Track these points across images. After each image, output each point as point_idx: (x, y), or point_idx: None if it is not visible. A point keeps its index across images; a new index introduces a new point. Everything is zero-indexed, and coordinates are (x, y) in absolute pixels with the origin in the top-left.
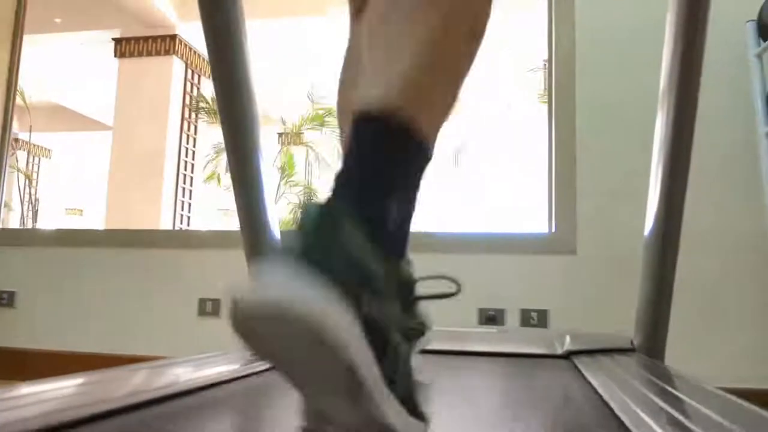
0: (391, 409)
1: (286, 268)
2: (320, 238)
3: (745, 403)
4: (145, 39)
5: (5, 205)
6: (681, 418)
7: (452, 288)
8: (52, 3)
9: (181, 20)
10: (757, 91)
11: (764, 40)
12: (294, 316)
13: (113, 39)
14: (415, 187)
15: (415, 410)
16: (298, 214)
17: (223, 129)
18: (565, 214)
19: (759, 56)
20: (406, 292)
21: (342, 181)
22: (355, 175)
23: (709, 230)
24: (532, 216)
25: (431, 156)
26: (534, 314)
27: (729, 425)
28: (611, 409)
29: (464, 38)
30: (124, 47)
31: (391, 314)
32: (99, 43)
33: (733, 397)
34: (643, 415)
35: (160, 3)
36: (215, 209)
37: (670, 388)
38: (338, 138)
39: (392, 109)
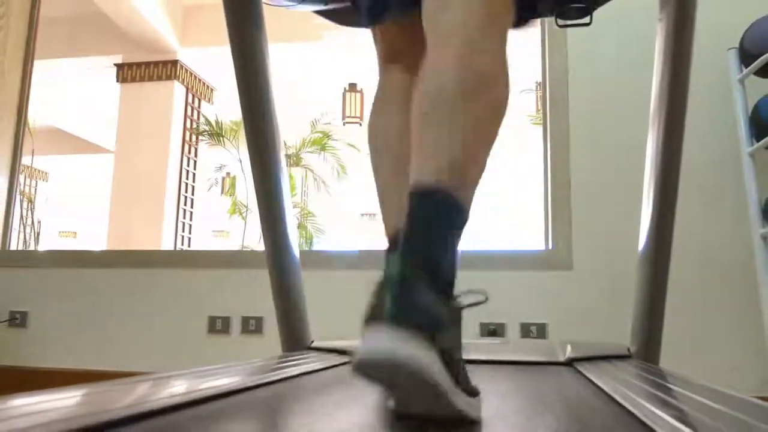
0: (460, 399)
1: (386, 332)
2: (404, 301)
3: (746, 396)
4: (147, 64)
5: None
6: (689, 409)
7: (481, 298)
8: (55, 29)
9: (182, 46)
10: (741, 114)
11: (746, 66)
12: (399, 363)
13: (115, 64)
14: (459, 241)
15: (472, 393)
16: (381, 278)
17: (248, 147)
18: (562, 232)
19: (741, 81)
20: (459, 318)
21: (409, 247)
22: (419, 242)
23: (695, 246)
24: (530, 234)
25: (469, 217)
26: (533, 328)
27: (740, 416)
28: (619, 404)
29: (493, 125)
30: (126, 72)
31: (453, 337)
32: (101, 68)
33: (738, 393)
34: (651, 407)
35: (162, 29)
36: (210, 231)
37: (672, 386)
38: (370, 161)
39: (445, 187)
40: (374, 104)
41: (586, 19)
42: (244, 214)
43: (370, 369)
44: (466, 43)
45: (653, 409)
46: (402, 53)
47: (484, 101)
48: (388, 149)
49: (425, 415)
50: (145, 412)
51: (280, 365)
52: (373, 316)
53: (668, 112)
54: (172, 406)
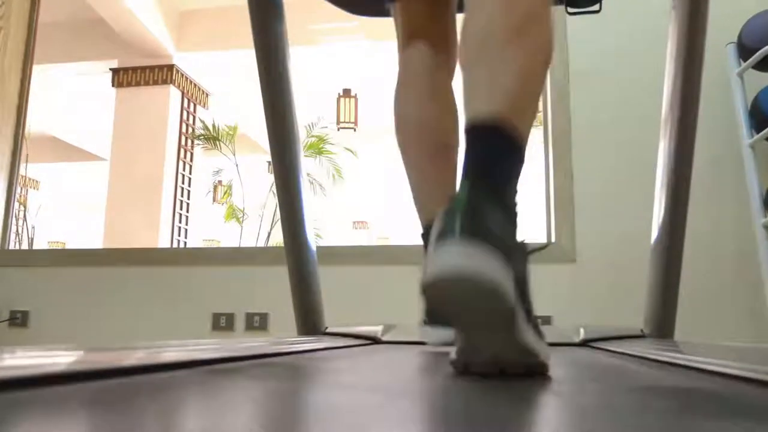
0: (530, 335)
1: (461, 246)
2: (476, 218)
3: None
4: (143, 69)
5: None
6: (718, 353)
7: (544, 243)
8: (52, 34)
9: (177, 50)
10: (740, 107)
11: (744, 60)
12: (477, 278)
13: (111, 69)
14: (518, 177)
15: (540, 335)
16: (450, 199)
17: (269, 139)
18: (565, 226)
19: (740, 75)
20: (527, 256)
21: (474, 175)
22: (484, 169)
23: (698, 237)
24: (532, 227)
25: (524, 159)
26: (538, 320)
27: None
28: (646, 358)
29: (542, 67)
30: (122, 77)
31: (524, 270)
32: (95, 73)
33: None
34: (679, 354)
35: (158, 34)
36: (200, 239)
37: (695, 346)
38: (399, 150)
39: (503, 120)
40: (398, 88)
41: (596, 7)
42: (241, 219)
43: (444, 284)
44: None
45: (681, 355)
46: (422, 31)
47: (532, 40)
48: (420, 137)
49: (491, 359)
50: (155, 365)
51: (298, 342)
52: (443, 235)
53: (682, 102)
54: (185, 362)
